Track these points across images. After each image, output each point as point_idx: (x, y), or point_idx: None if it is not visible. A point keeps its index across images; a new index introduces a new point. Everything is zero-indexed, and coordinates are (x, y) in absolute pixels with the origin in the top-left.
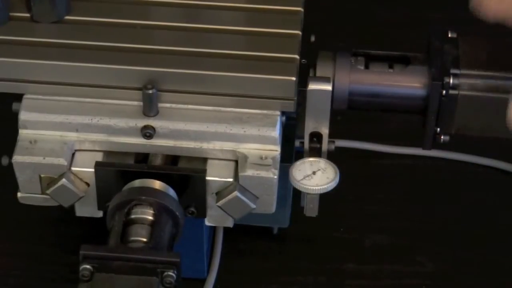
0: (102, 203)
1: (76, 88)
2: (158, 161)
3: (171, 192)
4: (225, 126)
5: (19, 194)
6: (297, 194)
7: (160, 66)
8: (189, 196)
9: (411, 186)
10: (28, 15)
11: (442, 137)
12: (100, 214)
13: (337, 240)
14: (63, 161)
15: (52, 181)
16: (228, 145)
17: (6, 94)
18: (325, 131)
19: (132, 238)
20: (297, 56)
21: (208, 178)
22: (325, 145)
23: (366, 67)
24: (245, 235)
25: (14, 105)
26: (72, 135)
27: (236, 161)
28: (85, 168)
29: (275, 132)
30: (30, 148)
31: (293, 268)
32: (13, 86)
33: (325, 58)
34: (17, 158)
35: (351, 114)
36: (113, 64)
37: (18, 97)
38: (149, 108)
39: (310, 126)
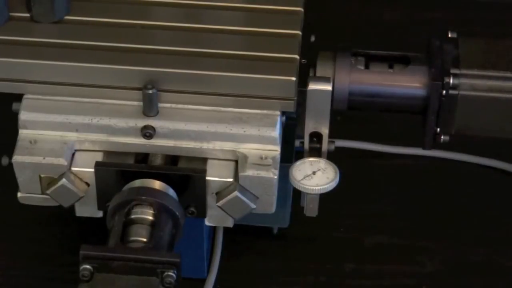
0: (102, 203)
1: (76, 88)
2: (158, 161)
3: (171, 192)
4: (225, 126)
5: (19, 194)
6: (297, 194)
7: (160, 66)
8: (189, 196)
9: (411, 186)
10: (28, 15)
11: (442, 137)
12: (100, 214)
13: (337, 240)
14: (63, 161)
15: (52, 181)
16: (228, 145)
17: (6, 94)
18: (325, 131)
19: (132, 238)
20: (297, 56)
21: (208, 178)
22: (325, 145)
23: (366, 67)
24: (245, 235)
25: (14, 105)
26: (72, 135)
27: (236, 161)
28: (85, 168)
29: (275, 132)
30: (30, 148)
31: (293, 268)
32: (13, 86)
33: (325, 58)
34: (17, 158)
35: (351, 114)
36: (113, 64)
37: (18, 97)
38: (149, 108)
39: (310, 126)
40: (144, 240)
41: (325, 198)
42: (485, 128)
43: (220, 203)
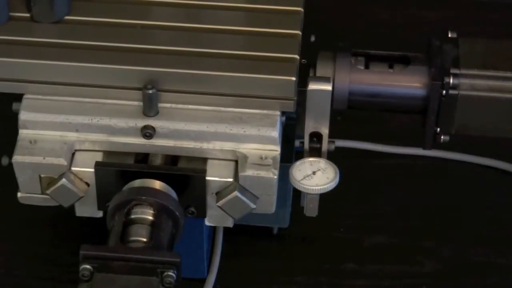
0: (102, 203)
1: (76, 88)
2: (158, 161)
3: (171, 192)
4: (225, 126)
5: (19, 194)
6: (297, 194)
7: (160, 66)
8: (189, 196)
9: (411, 186)
10: (28, 15)
11: (442, 137)
12: (100, 214)
13: (337, 240)
14: (63, 161)
15: (52, 181)
16: (228, 145)
17: (6, 94)
18: (325, 131)
19: (132, 238)
20: (297, 56)
21: (208, 178)
22: (325, 145)
23: (366, 67)
24: (245, 235)
25: (14, 105)
26: (72, 135)
27: (236, 161)
28: (85, 168)
29: (275, 132)
30: (30, 148)
31: (293, 268)
32: (13, 86)
33: (325, 58)
34: (17, 158)
35: (351, 114)
36: (113, 64)
37: (18, 97)
38: (149, 108)
39: (310, 126)
40: (144, 240)
41: (325, 198)
42: (485, 128)
43: (220, 203)
